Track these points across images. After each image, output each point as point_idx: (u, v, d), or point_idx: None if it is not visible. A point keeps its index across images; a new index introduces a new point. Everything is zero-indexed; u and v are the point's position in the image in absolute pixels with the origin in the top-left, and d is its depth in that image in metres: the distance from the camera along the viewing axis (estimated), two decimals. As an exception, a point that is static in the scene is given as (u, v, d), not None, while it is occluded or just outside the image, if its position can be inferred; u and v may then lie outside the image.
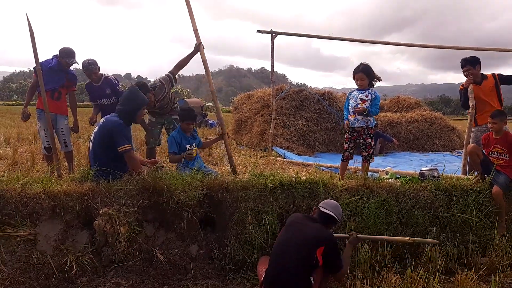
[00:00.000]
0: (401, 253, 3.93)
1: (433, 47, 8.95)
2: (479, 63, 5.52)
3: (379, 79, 5.19)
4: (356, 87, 5.20)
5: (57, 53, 5.47)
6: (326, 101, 11.49)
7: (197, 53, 5.34)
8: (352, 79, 5.25)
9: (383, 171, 6.27)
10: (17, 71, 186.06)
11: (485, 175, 4.67)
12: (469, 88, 5.48)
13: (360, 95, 5.08)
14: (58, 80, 5.48)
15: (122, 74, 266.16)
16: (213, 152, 8.75)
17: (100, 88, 5.79)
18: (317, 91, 12.09)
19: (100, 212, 3.37)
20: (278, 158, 8.58)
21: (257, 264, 3.52)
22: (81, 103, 24.64)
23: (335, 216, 3.27)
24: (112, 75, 6.18)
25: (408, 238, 3.68)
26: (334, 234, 3.70)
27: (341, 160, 5.26)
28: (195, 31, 5.05)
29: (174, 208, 3.63)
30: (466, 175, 5.23)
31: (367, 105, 4.99)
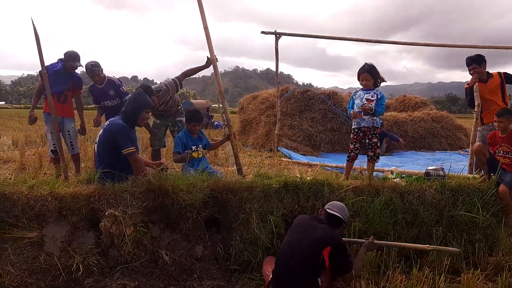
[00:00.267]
0: (406, 252, 3.91)
1: (439, 46, 8.89)
2: (485, 61, 5.49)
3: (383, 80, 5.18)
4: (361, 87, 5.20)
5: (63, 56, 5.53)
6: (331, 101, 11.47)
7: (208, 67, 5.35)
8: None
9: (388, 170, 6.25)
10: (25, 75, 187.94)
11: (492, 174, 4.64)
12: (474, 87, 5.45)
13: (366, 95, 5.08)
14: (64, 84, 5.54)
15: (129, 77, 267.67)
16: (219, 153, 8.78)
17: (103, 90, 5.82)
18: (322, 91, 12.08)
19: (106, 213, 3.39)
20: (283, 159, 8.59)
21: (262, 264, 3.53)
22: (89, 106, 24.78)
23: (341, 217, 3.28)
24: (119, 77, 6.23)
25: (427, 246, 3.54)
26: (351, 239, 3.69)
27: (347, 160, 5.25)
28: (205, 28, 4.92)
29: (179, 209, 3.65)
30: (472, 174, 5.20)
31: (373, 105, 4.98)
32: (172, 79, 5.70)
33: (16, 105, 68.07)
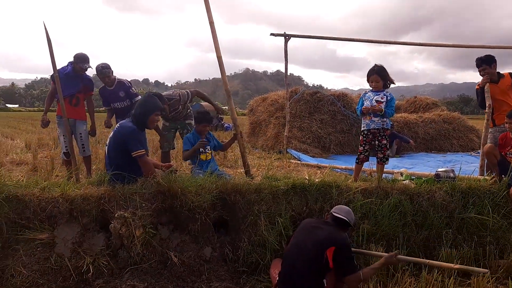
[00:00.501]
0: (416, 255, 3.88)
1: (449, 46, 8.81)
2: (495, 61, 5.43)
3: (393, 82, 5.15)
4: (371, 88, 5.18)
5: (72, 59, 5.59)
6: (340, 102, 11.42)
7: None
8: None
9: (398, 172, 6.21)
10: (39, 78, 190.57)
11: (503, 176, 4.58)
12: (485, 88, 5.40)
13: (375, 97, 5.06)
14: (75, 86, 5.60)
15: (140, 80, 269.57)
16: (228, 155, 8.81)
17: (113, 91, 5.86)
18: (331, 92, 12.04)
19: (116, 215, 3.43)
20: (292, 161, 8.58)
21: (270, 266, 3.54)
22: (101, 108, 24.99)
23: (348, 220, 3.28)
24: (130, 80, 6.28)
25: (454, 264, 3.35)
26: (372, 252, 3.59)
27: (356, 162, 5.23)
28: (211, 23, 4.86)
29: (188, 211, 3.67)
30: (483, 176, 5.14)
31: (383, 107, 4.96)
32: (186, 91, 5.92)
33: (29, 108, 69.01)
